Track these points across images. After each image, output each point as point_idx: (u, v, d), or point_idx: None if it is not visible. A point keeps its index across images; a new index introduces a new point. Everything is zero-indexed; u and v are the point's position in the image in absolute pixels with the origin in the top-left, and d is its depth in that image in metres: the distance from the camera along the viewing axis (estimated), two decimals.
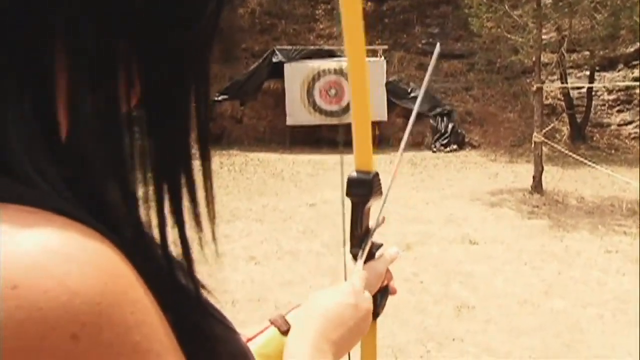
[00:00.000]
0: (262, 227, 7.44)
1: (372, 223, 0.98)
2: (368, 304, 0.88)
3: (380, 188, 0.96)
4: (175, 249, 0.51)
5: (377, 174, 0.95)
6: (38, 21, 0.42)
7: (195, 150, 0.53)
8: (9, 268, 0.35)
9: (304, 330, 0.80)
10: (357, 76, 0.91)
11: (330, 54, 14.67)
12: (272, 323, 0.83)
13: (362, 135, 0.93)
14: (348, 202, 0.95)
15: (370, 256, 0.94)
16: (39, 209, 0.39)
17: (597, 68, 14.27)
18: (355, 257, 0.95)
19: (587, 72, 14.54)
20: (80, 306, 0.36)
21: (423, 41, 16.98)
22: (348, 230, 0.96)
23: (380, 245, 0.97)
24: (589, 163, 9.19)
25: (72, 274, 0.36)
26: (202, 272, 0.53)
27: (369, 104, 0.94)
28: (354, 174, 0.94)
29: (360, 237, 0.95)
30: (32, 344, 0.35)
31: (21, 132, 0.41)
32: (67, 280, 0.36)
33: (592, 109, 14.39)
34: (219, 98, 14.61)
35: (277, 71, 14.12)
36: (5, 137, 0.41)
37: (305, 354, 0.76)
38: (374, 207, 0.97)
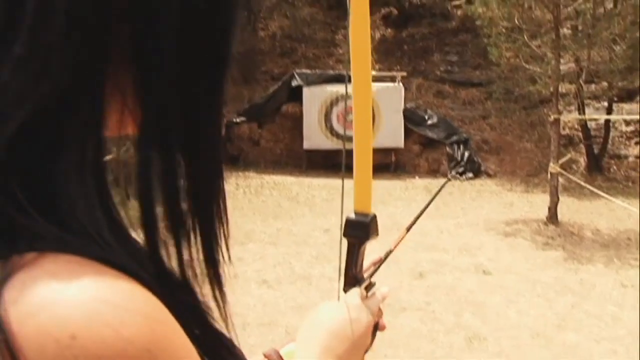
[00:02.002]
0: (275, 250, 7.45)
1: (366, 263, 0.99)
2: (368, 318, 0.90)
3: (377, 229, 0.97)
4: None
5: (374, 217, 0.96)
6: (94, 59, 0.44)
7: None
8: (67, 318, 0.38)
9: (308, 345, 0.81)
10: (361, 122, 0.93)
11: (350, 79, 14.72)
12: (266, 357, 0.84)
13: (363, 177, 0.95)
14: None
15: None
16: (85, 258, 0.42)
17: (615, 99, 14.21)
18: None
19: (605, 104, 14.48)
20: (134, 353, 0.39)
21: (442, 69, 17.06)
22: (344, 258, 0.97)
23: (373, 285, 0.97)
24: (605, 195, 9.12)
25: (126, 323, 0.39)
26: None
27: (371, 146, 0.96)
28: (352, 216, 0.95)
29: (354, 277, 0.96)
30: None
31: (80, 181, 0.44)
32: (122, 329, 0.39)
33: (609, 141, 14.31)
34: (237, 120, 14.73)
35: (295, 95, 14.21)
36: (64, 185, 0.43)
37: None
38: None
